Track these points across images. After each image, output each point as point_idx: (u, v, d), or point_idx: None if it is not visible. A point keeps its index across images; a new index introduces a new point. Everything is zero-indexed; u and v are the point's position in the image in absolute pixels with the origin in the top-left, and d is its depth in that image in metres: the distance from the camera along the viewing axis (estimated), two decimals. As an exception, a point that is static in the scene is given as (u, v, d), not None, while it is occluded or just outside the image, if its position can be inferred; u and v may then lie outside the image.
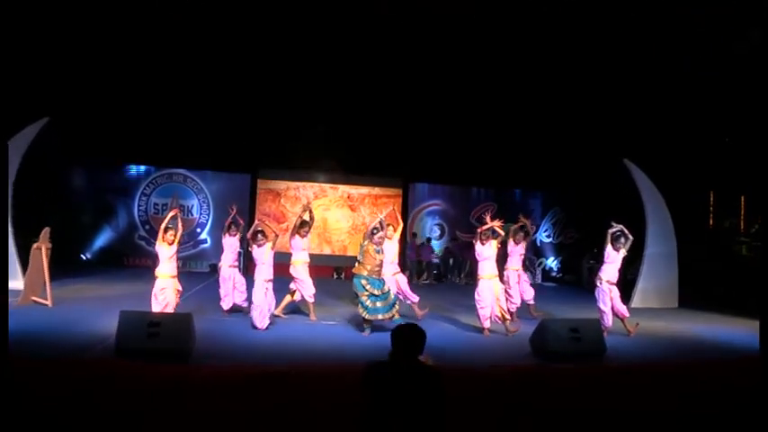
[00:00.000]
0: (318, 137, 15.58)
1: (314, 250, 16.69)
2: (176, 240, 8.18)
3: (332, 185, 17.59)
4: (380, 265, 8.47)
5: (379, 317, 8.22)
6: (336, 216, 17.46)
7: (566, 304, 12.35)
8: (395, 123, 15.34)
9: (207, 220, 17.23)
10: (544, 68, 12.76)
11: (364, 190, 17.59)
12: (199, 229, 17.17)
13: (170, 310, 7.89)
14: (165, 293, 7.95)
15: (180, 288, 8.26)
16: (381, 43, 12.03)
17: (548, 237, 18.56)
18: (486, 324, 8.68)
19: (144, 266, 15.04)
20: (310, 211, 9.66)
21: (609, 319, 8.92)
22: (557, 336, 7.19)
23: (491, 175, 17.28)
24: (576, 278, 17.14)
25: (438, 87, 13.79)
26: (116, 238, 17.00)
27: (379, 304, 8.22)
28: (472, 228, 17.54)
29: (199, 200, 17.25)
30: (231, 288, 9.78)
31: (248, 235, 8.92)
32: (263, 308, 8.41)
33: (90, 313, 9.17)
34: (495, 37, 11.60)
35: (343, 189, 17.59)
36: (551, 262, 18.52)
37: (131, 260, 16.71)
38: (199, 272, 16.04)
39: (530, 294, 10.52)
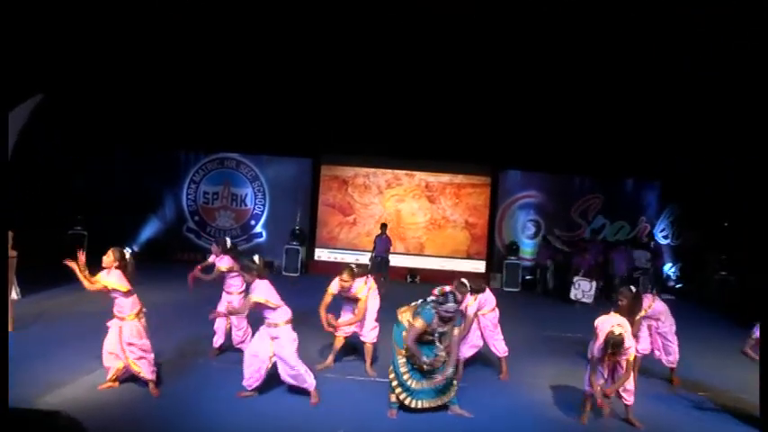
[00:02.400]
0: (391, 115, 13.09)
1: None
2: None
3: (408, 172, 15.05)
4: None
5: (424, 404, 5.25)
6: (412, 208, 14.96)
7: (698, 339, 8.62)
8: (483, 99, 12.69)
9: (262, 212, 15.16)
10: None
11: (445, 178, 14.96)
12: (253, 222, 15.08)
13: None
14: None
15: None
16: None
17: (665, 237, 15.31)
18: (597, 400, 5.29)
19: (192, 262, 12.90)
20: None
21: None
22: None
23: (597, 162, 14.18)
24: (696, 288, 14.01)
25: (533, 55, 10.93)
26: (163, 231, 15.04)
27: (425, 384, 5.22)
28: (573, 226, 14.69)
29: (253, 188, 15.20)
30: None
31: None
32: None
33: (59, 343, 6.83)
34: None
35: (421, 177, 15.04)
36: (669, 269, 15.29)
37: (179, 255, 14.61)
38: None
39: (674, 354, 6.73)
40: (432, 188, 15.01)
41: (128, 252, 5.48)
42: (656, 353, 6.73)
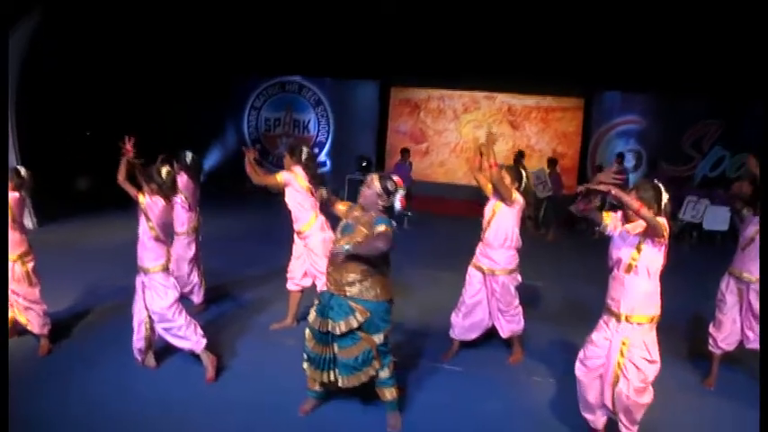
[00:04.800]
0: (468, 28, 11.45)
1: (461, 180, 12.97)
2: None
3: (487, 94, 13.44)
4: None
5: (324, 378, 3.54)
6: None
7: None
8: (575, 5, 10.77)
9: (326, 139, 14.11)
10: None
11: (531, 101, 13.21)
12: (316, 150, 13.96)
13: None
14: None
15: None
16: None
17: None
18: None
19: (252, 192, 12.16)
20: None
21: None
22: None
23: (716, 79, 11.73)
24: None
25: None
26: (225, 160, 14.26)
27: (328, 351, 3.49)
28: (684, 159, 12.55)
29: (316, 113, 14.21)
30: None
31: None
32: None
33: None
34: None
35: (503, 99, 13.40)
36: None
37: (241, 185, 13.83)
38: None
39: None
40: (515, 112, 13.36)
41: (23, 171, 4.30)
42: (749, 334, 4.32)
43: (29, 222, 8.34)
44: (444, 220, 11.13)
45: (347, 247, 3.21)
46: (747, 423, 3.74)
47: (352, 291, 3.30)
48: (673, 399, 3.97)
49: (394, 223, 3.36)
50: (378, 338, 3.38)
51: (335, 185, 13.16)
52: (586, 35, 11.37)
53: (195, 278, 5.34)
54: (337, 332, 3.30)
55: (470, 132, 13.37)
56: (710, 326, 4.51)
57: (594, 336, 3.39)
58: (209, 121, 14.22)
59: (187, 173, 5.26)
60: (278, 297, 5.58)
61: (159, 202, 3.96)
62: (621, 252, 3.22)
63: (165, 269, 4.01)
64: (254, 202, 11.12)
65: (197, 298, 5.37)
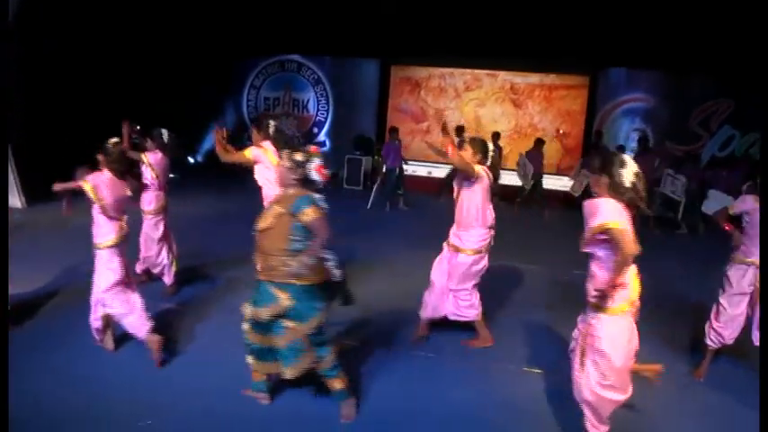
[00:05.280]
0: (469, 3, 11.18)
1: (462, 160, 12.73)
2: None
3: (489, 72, 13.19)
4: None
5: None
6: (494, 114, 13.23)
7: None
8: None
9: (325, 118, 13.88)
10: None
11: (534, 78, 12.92)
12: (316, 129, 13.79)
13: None
14: None
15: None
16: None
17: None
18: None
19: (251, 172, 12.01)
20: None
21: None
22: None
23: (726, 56, 11.31)
24: None
25: None
26: (224, 139, 14.07)
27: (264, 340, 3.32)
28: (690, 138, 12.22)
29: (316, 92, 13.99)
30: None
31: None
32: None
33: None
34: None
35: (505, 77, 13.15)
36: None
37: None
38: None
39: None
40: (518, 90, 13.09)
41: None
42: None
43: (17, 202, 8.27)
44: (445, 202, 10.90)
45: (296, 267, 2.97)
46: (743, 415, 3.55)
47: (277, 275, 3.09)
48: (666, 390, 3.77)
49: (320, 201, 3.15)
50: (307, 327, 3.15)
51: (337, 166, 13.03)
52: (591, 10, 10.98)
53: (165, 259, 5.20)
54: (263, 318, 3.12)
55: (472, 111, 13.11)
56: (713, 319, 4.19)
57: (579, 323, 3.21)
58: (208, 101, 14.02)
59: (162, 151, 5.11)
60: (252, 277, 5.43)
61: (106, 174, 3.85)
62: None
63: (112, 247, 3.85)
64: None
65: (168, 279, 5.23)
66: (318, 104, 13.86)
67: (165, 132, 5.16)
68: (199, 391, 3.59)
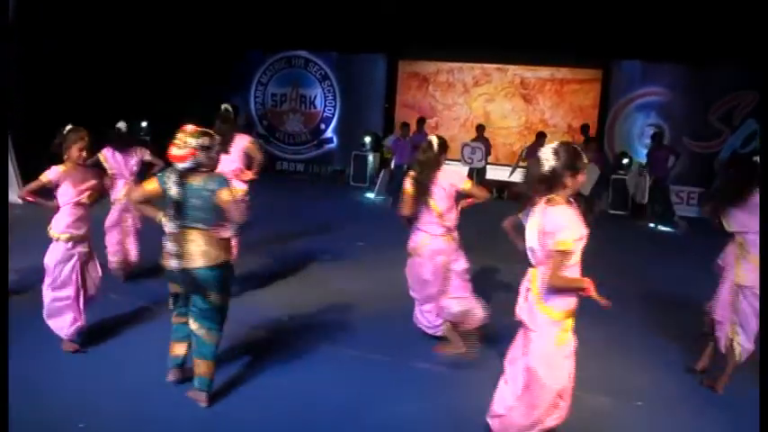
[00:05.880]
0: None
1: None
2: None
3: (499, 66, 12.93)
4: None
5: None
6: (504, 109, 12.99)
7: None
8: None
9: (333, 114, 13.85)
10: None
11: (545, 72, 12.65)
12: (323, 126, 13.74)
13: None
14: None
15: None
16: None
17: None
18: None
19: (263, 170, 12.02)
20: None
21: None
22: None
23: (749, 45, 10.79)
24: None
25: None
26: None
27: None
28: (710, 133, 11.76)
29: (323, 89, 13.90)
30: None
31: None
32: None
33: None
34: None
35: (515, 71, 12.88)
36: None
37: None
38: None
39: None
40: (528, 85, 12.81)
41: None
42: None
43: (18, 199, 8.31)
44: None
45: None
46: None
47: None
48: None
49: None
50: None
51: (344, 163, 12.93)
52: (605, 1, 10.70)
53: (131, 249, 5.46)
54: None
55: (481, 107, 12.87)
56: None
57: None
58: (215, 98, 13.98)
59: (111, 144, 5.42)
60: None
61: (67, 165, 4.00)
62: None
63: (61, 239, 3.93)
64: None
65: (123, 271, 5.45)
66: (326, 100, 13.80)
67: (120, 125, 5.45)
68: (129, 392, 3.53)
